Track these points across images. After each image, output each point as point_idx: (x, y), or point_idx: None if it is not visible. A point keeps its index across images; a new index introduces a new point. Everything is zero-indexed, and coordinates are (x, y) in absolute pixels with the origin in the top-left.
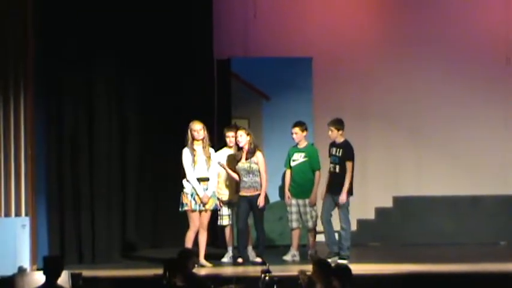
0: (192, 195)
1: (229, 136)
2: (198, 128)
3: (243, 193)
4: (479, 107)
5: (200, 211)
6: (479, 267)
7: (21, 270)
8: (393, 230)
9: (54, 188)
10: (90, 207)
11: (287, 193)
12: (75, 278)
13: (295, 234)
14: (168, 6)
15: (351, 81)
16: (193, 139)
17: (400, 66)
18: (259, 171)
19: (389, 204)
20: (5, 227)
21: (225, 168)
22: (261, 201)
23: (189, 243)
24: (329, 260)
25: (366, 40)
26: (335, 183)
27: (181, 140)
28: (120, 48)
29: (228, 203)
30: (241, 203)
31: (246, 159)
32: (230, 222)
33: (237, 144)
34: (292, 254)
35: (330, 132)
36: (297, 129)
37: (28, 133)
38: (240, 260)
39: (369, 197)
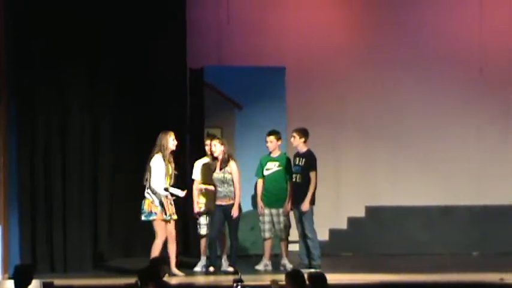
0: (161, 204)
1: (208, 144)
2: (174, 138)
3: (218, 202)
4: (454, 117)
5: (167, 221)
6: (452, 277)
7: None
8: (366, 240)
9: (26, 197)
10: (62, 216)
11: (260, 203)
12: (47, 287)
13: (268, 244)
14: (142, 15)
15: (325, 91)
16: (169, 149)
17: (374, 75)
18: (233, 181)
19: (361, 213)
20: None
21: (205, 189)
22: (234, 211)
23: (157, 252)
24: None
25: (339, 49)
26: (297, 194)
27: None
28: (92, 54)
29: (207, 213)
30: (216, 212)
31: (220, 169)
32: (208, 231)
33: (211, 153)
34: (264, 264)
35: (292, 139)
36: (272, 138)
37: (1, 141)
38: (211, 269)
39: (341, 206)
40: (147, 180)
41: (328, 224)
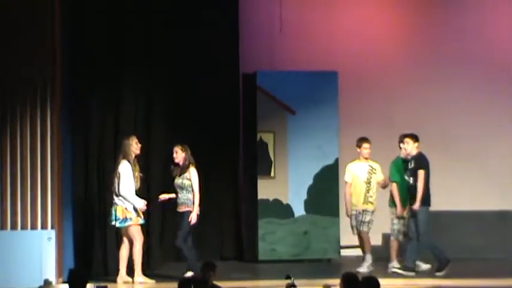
0: (134, 209)
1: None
2: (137, 141)
3: (178, 209)
4: (507, 123)
5: (140, 225)
6: (507, 283)
7: (47, 283)
8: None
9: (80, 201)
10: None
11: (400, 206)
12: None
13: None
14: (195, 21)
15: (377, 95)
16: (133, 153)
17: (427, 80)
18: (191, 188)
19: None
20: (30, 240)
21: (169, 199)
22: (192, 218)
23: (139, 258)
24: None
25: (391, 53)
26: (411, 195)
27: (207, 154)
28: (148, 59)
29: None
30: (177, 219)
31: (180, 175)
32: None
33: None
34: (392, 265)
35: (405, 145)
36: (408, 140)
37: (55, 144)
38: (189, 273)
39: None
40: (115, 187)
41: (382, 228)
